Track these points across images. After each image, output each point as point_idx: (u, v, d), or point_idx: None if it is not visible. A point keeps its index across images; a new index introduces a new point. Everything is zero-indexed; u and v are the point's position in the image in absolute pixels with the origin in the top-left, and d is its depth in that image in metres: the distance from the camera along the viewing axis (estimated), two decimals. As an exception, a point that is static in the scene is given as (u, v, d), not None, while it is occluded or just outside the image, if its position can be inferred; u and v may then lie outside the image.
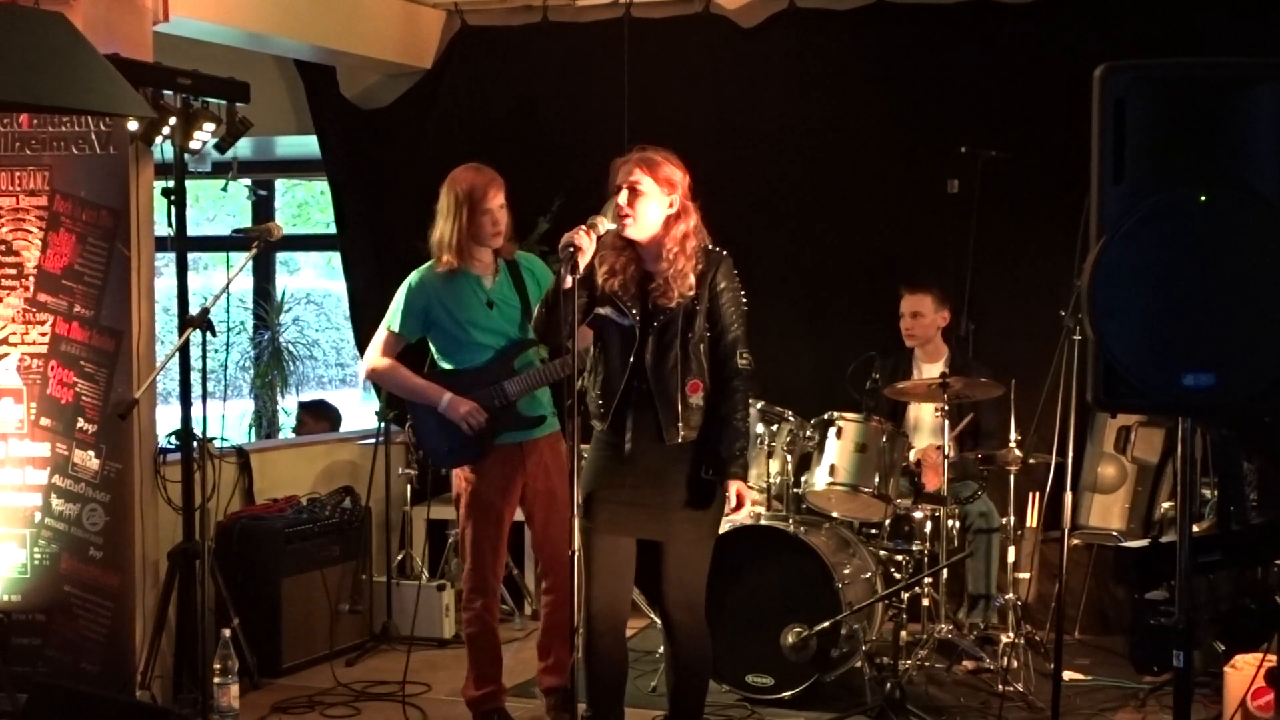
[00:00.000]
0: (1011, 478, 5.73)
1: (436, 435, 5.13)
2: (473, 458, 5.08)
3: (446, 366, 5.15)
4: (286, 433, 9.25)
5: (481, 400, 5.03)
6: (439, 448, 5.17)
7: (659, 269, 4.37)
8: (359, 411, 9.96)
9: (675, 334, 4.34)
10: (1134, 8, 6.43)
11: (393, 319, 5.13)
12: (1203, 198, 2.85)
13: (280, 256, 10.80)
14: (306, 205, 11.87)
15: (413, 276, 5.15)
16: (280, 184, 10.55)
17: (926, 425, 6.25)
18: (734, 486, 4.36)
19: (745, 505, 4.41)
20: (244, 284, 9.84)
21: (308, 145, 7.94)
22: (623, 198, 4.33)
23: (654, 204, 4.34)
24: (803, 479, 5.72)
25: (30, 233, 5.47)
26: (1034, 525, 6.11)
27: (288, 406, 9.59)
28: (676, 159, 4.42)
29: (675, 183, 4.37)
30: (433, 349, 5.20)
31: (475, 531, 5.13)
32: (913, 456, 6.03)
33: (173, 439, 5.58)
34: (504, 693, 5.32)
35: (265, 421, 9.76)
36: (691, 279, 4.35)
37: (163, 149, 5.58)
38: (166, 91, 5.43)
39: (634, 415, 4.38)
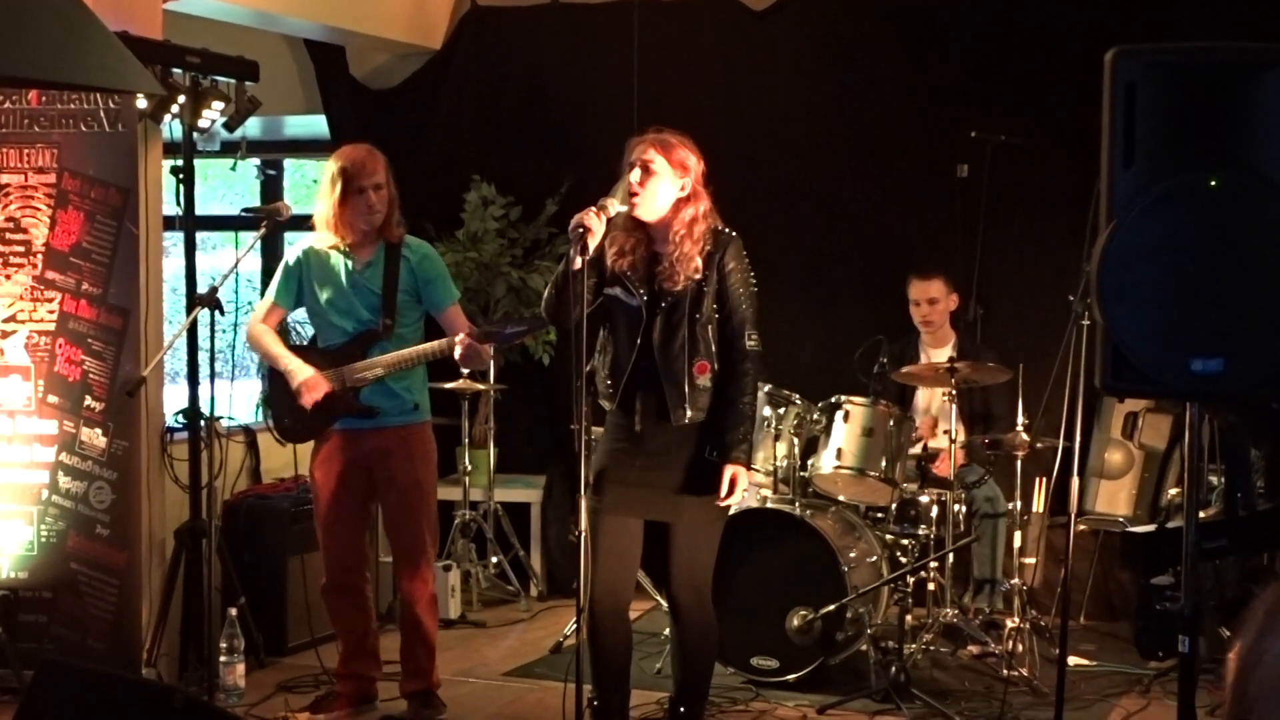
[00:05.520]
0: (1018, 462, 5.72)
1: (282, 407, 5.09)
2: (304, 437, 5.09)
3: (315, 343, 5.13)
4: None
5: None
6: (281, 420, 5.13)
7: (666, 251, 4.37)
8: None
9: (683, 315, 4.34)
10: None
11: (271, 289, 5.13)
12: (1213, 182, 2.84)
13: (288, 236, 10.78)
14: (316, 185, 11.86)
15: (295, 249, 5.11)
16: (289, 163, 10.53)
17: (934, 410, 6.24)
18: (729, 471, 4.31)
19: (737, 492, 4.36)
20: (252, 264, 9.82)
21: (316, 125, 7.93)
22: (635, 175, 4.33)
23: (665, 185, 4.34)
24: (809, 462, 5.72)
25: (38, 210, 5.47)
26: (1040, 510, 6.10)
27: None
28: (692, 144, 4.41)
29: (689, 166, 4.36)
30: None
31: (316, 516, 5.14)
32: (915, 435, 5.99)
33: (180, 418, 5.59)
34: (348, 688, 5.20)
35: (272, 401, 9.75)
36: (698, 262, 4.34)
37: (171, 127, 5.58)
38: (176, 69, 5.42)
39: (642, 396, 4.38)
